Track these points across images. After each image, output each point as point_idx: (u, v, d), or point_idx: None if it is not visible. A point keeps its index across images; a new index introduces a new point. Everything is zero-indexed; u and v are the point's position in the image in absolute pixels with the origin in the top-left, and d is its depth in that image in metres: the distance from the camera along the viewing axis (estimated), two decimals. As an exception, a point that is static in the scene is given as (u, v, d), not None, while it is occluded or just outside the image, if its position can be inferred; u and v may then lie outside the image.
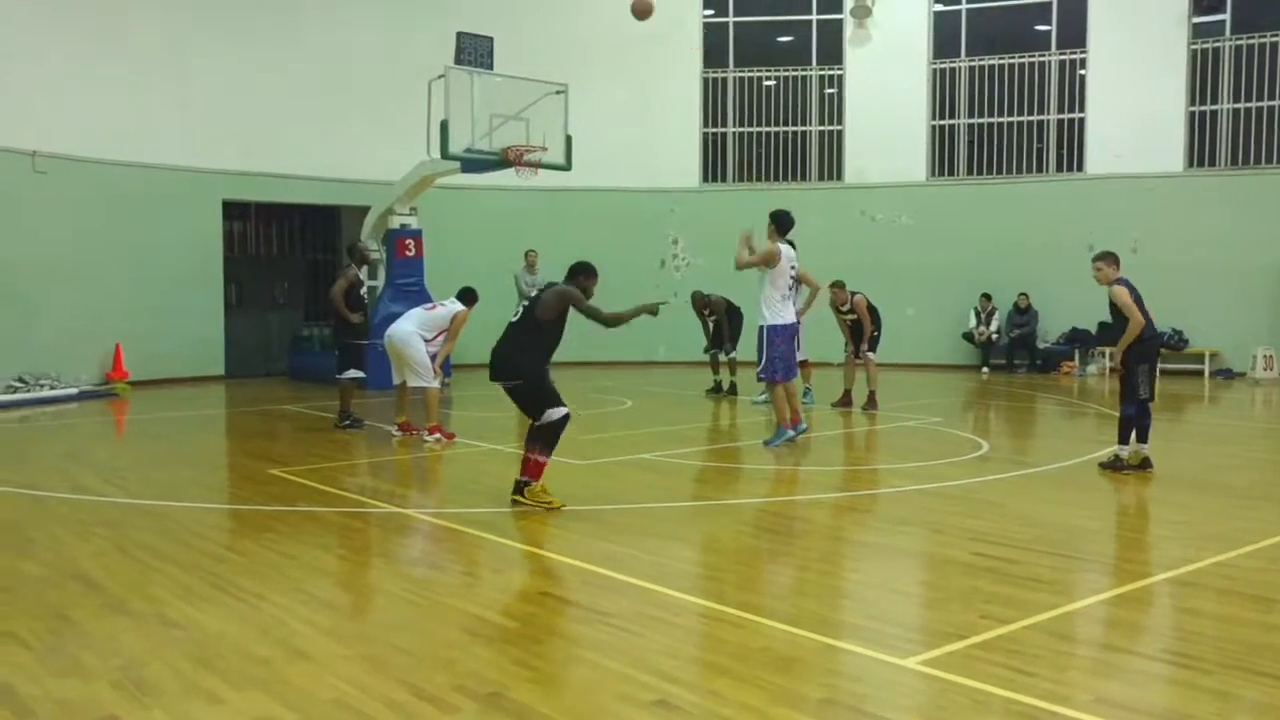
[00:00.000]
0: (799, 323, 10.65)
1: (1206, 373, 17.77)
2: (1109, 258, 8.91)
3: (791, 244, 10.50)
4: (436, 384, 10.71)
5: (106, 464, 9.93)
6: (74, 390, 14.95)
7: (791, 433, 10.28)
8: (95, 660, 4.46)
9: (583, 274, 7.75)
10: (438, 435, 10.53)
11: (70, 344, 15.55)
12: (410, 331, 10.65)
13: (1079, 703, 4.00)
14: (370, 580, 6.13)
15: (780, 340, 10.23)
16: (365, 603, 5.67)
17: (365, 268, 12.66)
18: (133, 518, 7.29)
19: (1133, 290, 8.71)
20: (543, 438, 7.42)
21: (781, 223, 10.40)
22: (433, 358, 10.67)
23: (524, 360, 7.47)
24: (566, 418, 7.47)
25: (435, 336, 10.69)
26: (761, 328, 10.32)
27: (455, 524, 7.19)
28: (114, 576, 5.77)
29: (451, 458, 10.18)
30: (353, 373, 11.61)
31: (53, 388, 14.79)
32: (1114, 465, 8.89)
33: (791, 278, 10.38)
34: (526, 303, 7.84)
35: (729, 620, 5.03)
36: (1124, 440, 8.86)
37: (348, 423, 11.55)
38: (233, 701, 4.02)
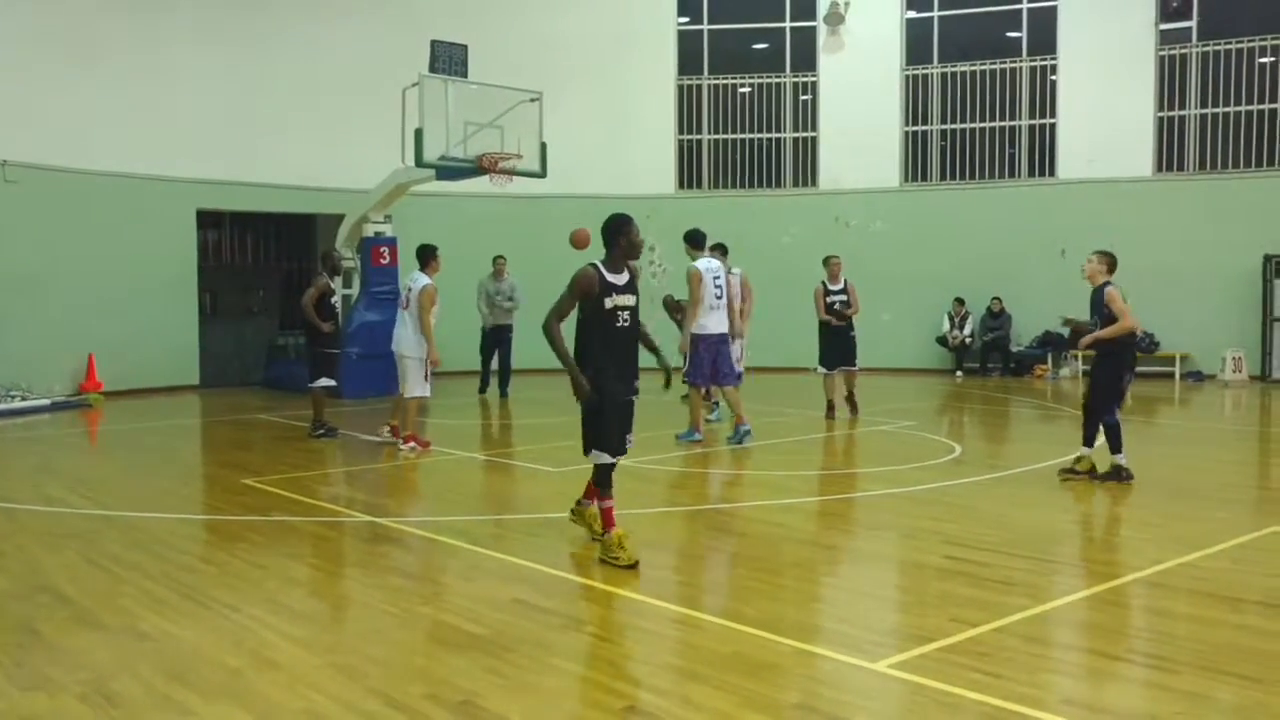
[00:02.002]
0: (726, 334, 10.91)
1: (1177, 375, 17.94)
2: (1104, 256, 8.78)
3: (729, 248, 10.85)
4: (425, 394, 10.66)
5: (78, 475, 9.85)
6: (46, 401, 14.81)
7: (699, 435, 10.89)
8: (63, 674, 4.42)
9: (618, 233, 6.29)
10: (413, 444, 10.50)
11: (42, 355, 15.41)
12: (407, 337, 10.59)
13: (1049, 704, 4.04)
14: (343, 590, 6.11)
15: (702, 347, 10.66)
16: (338, 612, 5.65)
17: (339, 277, 12.60)
18: (103, 529, 7.24)
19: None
20: (595, 477, 6.38)
21: (693, 240, 11.00)
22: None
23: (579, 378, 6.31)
24: (605, 467, 6.30)
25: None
26: (691, 335, 10.81)
27: (428, 532, 7.17)
28: (84, 589, 5.72)
29: (425, 466, 10.16)
30: (324, 381, 11.57)
31: (24, 399, 14.64)
32: (1116, 476, 8.53)
33: (718, 287, 10.74)
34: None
35: (701, 626, 5.04)
36: (1119, 449, 8.58)
37: (321, 432, 11.51)
38: (203, 713, 4.00)
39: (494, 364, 16.10)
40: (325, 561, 6.75)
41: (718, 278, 10.82)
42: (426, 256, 10.80)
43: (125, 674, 4.40)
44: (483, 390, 15.96)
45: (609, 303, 6.19)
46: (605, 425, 6.22)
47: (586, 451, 6.30)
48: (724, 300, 10.83)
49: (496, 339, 15.98)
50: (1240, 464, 10.65)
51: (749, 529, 7.43)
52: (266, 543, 6.97)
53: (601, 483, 6.28)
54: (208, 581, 5.91)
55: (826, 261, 13.28)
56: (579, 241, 7.03)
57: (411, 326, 10.55)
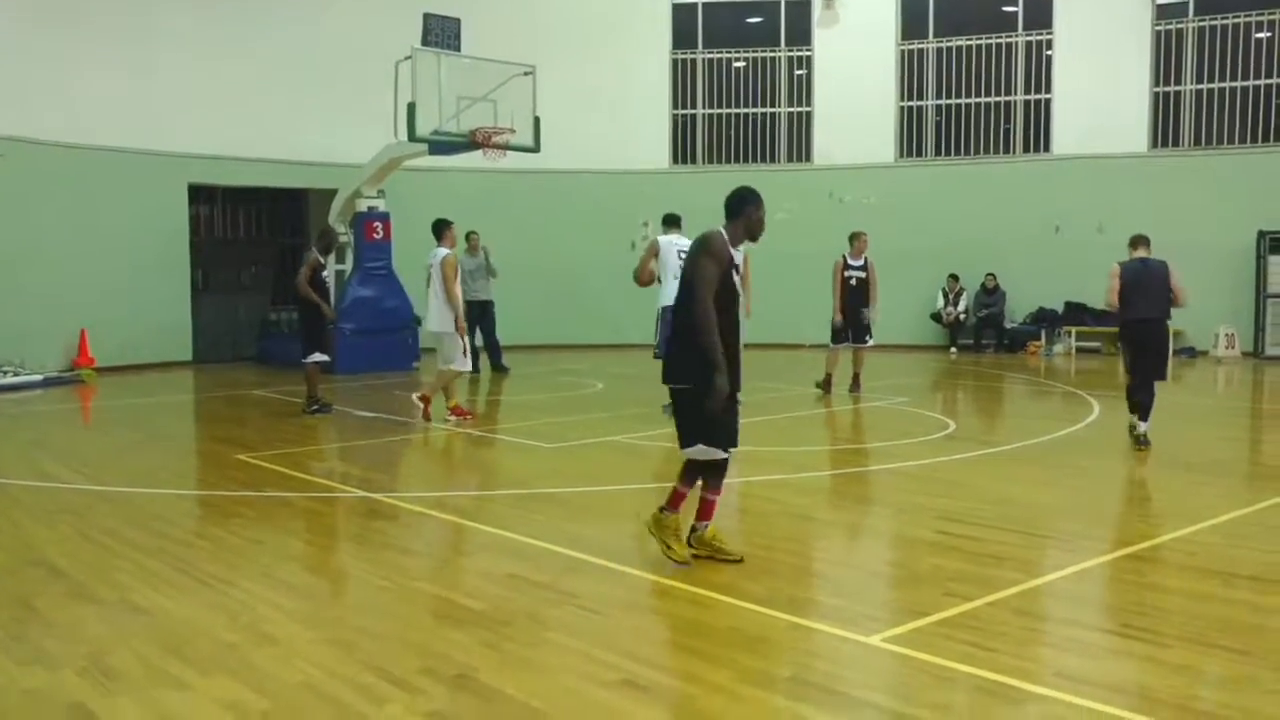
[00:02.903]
0: None
1: (1170, 351, 17.93)
2: (1132, 240, 9.39)
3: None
4: (465, 368, 11.01)
5: (71, 451, 9.85)
6: (38, 377, 14.78)
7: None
8: (60, 648, 4.43)
9: (749, 204, 5.65)
10: (459, 416, 10.87)
11: (34, 330, 15.35)
12: (438, 312, 10.78)
13: (1041, 677, 4.07)
14: (338, 564, 6.12)
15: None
16: (333, 587, 5.66)
17: (331, 254, 12.58)
18: (98, 504, 7.24)
19: (1134, 273, 9.15)
20: (707, 471, 5.62)
21: (665, 221, 11.27)
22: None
23: (690, 358, 5.35)
24: (723, 465, 5.60)
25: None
26: (660, 308, 10.91)
27: (423, 508, 7.19)
28: (79, 564, 5.73)
29: (419, 442, 10.17)
30: (318, 356, 11.56)
31: (16, 374, 14.61)
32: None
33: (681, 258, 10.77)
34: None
35: (696, 600, 5.06)
36: (1131, 410, 9.25)
37: (316, 407, 11.50)
38: (199, 687, 4.01)
39: (478, 340, 15.97)
40: (320, 537, 6.76)
41: (682, 251, 10.86)
42: (441, 230, 11.05)
43: (122, 648, 4.41)
44: (474, 369, 15.76)
45: (734, 278, 5.43)
46: (718, 417, 5.38)
47: (689, 445, 5.49)
48: None
49: (479, 314, 15.87)
50: (1232, 440, 10.70)
51: (743, 504, 7.45)
52: (261, 518, 6.98)
53: (714, 475, 5.59)
54: (203, 556, 5.92)
55: (855, 236, 13.11)
56: None
57: (440, 301, 10.76)
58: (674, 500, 5.63)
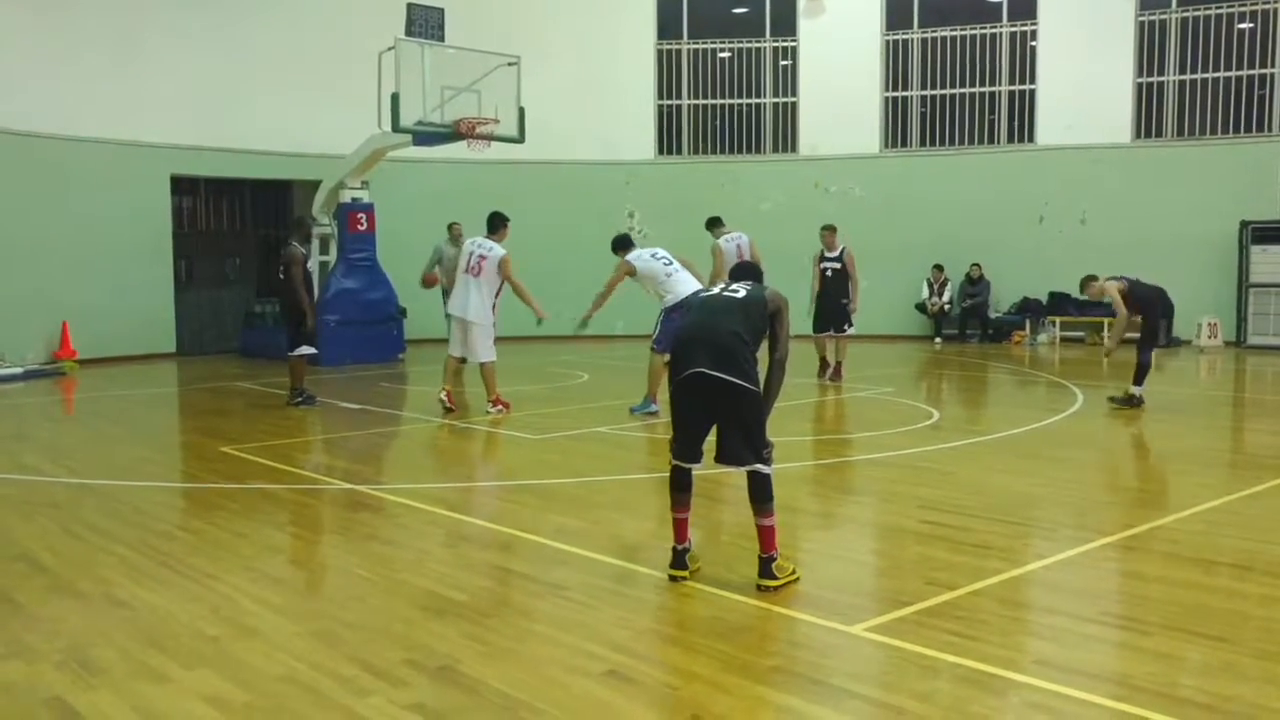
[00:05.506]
0: None
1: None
2: (1089, 282, 10.83)
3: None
4: (494, 357, 11.04)
5: (53, 444, 9.79)
6: (19, 370, 14.68)
7: (655, 407, 10.45)
8: (40, 642, 4.40)
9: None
10: (500, 407, 10.83)
11: (15, 323, 15.26)
12: (477, 303, 10.77)
13: (1023, 666, 4.08)
14: (321, 557, 6.10)
15: (676, 315, 10.00)
16: (316, 579, 5.64)
17: (310, 243, 12.52)
18: (80, 498, 7.20)
19: (1129, 281, 10.53)
20: (767, 492, 5.28)
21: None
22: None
23: (753, 364, 5.32)
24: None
25: (498, 292, 10.93)
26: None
27: (407, 499, 7.16)
28: (60, 557, 5.70)
29: (403, 434, 10.16)
30: (305, 350, 11.51)
31: (-3, 367, 14.54)
32: (1128, 402, 10.52)
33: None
34: (740, 286, 5.52)
35: (680, 591, 5.06)
36: (1138, 382, 10.53)
37: (300, 399, 11.46)
38: (181, 680, 3.99)
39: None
40: (304, 529, 6.74)
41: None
42: (498, 224, 11.09)
43: (103, 642, 4.39)
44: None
45: None
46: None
47: (749, 457, 5.29)
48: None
49: None
50: (1214, 429, 10.74)
51: (726, 494, 7.44)
52: (244, 510, 6.95)
53: (772, 494, 5.28)
54: (185, 549, 5.89)
55: (824, 232, 13.51)
56: None
57: (482, 293, 10.77)
58: (773, 538, 5.16)
